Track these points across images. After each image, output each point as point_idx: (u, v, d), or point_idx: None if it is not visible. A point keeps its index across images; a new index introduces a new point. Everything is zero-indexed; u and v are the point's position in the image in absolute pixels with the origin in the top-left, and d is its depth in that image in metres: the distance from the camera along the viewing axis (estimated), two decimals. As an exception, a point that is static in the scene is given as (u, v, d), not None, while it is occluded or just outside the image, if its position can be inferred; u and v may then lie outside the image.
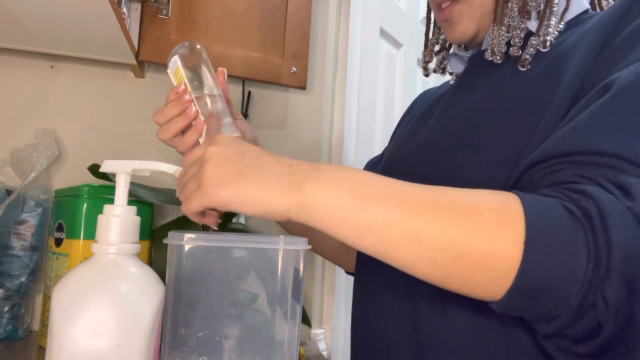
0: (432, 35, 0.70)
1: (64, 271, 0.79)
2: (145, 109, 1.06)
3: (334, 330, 1.22)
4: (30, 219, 0.87)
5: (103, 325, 0.38)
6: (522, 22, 0.54)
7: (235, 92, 1.13)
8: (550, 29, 0.53)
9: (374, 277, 0.61)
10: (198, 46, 0.60)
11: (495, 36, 0.55)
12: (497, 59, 0.56)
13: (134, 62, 0.96)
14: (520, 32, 0.54)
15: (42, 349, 0.81)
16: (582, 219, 0.36)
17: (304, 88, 1.13)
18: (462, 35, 0.59)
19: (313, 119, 1.23)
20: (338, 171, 0.43)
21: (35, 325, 0.92)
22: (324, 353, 1.17)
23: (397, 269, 0.42)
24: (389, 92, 1.43)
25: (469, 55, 0.63)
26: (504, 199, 0.40)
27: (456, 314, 0.49)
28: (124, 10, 0.89)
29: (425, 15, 0.72)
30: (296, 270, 0.60)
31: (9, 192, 0.87)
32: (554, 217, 0.37)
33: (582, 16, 0.56)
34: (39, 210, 0.88)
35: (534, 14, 0.55)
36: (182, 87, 0.58)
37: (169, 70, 0.61)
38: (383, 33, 1.40)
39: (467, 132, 0.53)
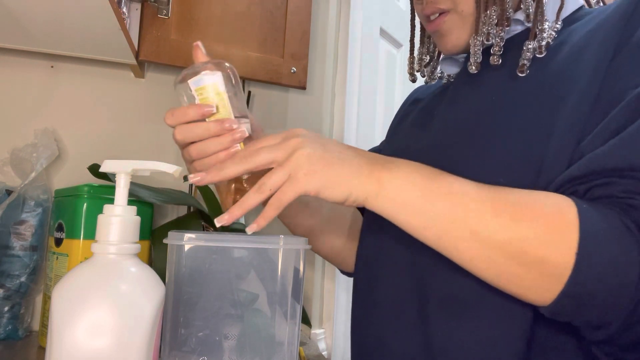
0: (421, 44, 0.68)
1: (64, 271, 0.79)
2: (145, 109, 1.06)
3: (334, 330, 1.22)
4: (30, 219, 0.87)
5: (103, 325, 0.38)
6: (501, 30, 0.53)
7: (235, 92, 1.13)
8: (545, 34, 0.52)
9: (377, 279, 0.61)
10: (227, 64, 0.54)
11: (473, 46, 0.55)
12: (473, 70, 0.55)
13: (134, 62, 0.96)
14: (500, 41, 0.53)
15: (42, 349, 0.81)
16: (637, 234, 0.38)
17: (304, 88, 1.13)
18: (454, 46, 0.58)
19: (313, 119, 1.23)
20: (410, 165, 0.47)
21: (35, 325, 0.92)
22: (324, 353, 1.17)
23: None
24: (389, 92, 1.43)
25: (464, 57, 0.62)
26: (560, 204, 0.41)
27: (472, 322, 0.49)
28: (124, 10, 0.89)
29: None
30: (296, 270, 0.60)
31: (9, 192, 0.87)
32: (609, 229, 0.38)
33: (578, 13, 0.56)
34: (39, 210, 0.88)
35: (523, 17, 0.54)
36: (217, 109, 0.51)
37: (193, 85, 0.52)
38: (383, 33, 1.40)
39: (476, 135, 0.52)
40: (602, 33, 0.48)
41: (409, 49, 0.70)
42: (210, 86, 0.52)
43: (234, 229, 1.01)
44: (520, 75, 0.52)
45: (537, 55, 0.52)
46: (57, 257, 0.82)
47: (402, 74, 1.48)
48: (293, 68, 1.10)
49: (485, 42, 0.54)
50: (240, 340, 0.59)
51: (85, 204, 0.79)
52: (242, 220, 1.09)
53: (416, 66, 0.68)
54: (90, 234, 0.79)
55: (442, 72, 0.67)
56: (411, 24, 0.69)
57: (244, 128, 0.51)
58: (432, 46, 0.68)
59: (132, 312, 0.39)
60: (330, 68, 1.26)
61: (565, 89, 0.48)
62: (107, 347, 0.38)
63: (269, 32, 1.09)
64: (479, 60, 0.55)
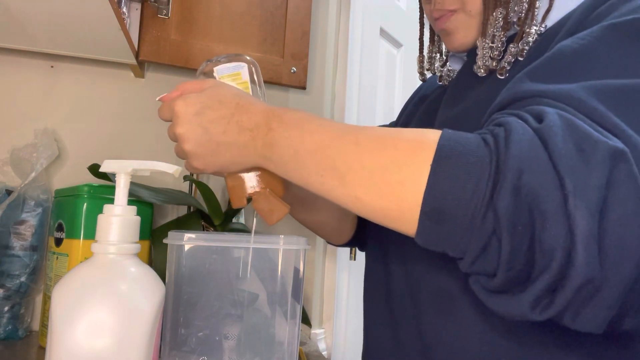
0: (431, 43, 0.68)
1: (64, 271, 0.79)
2: (145, 109, 1.06)
3: (334, 330, 1.22)
4: (30, 218, 0.87)
5: (103, 325, 0.38)
6: (504, 34, 0.53)
7: (235, 92, 1.13)
8: (530, 38, 0.52)
9: (387, 275, 0.61)
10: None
11: (480, 49, 0.54)
12: (482, 73, 0.55)
13: (134, 62, 0.96)
14: (501, 46, 0.53)
15: (42, 349, 0.81)
16: (490, 143, 0.36)
17: (304, 88, 1.13)
18: (461, 45, 0.58)
19: (313, 119, 1.23)
20: (285, 130, 0.47)
21: (35, 325, 0.92)
22: (324, 353, 1.17)
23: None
24: (389, 92, 1.43)
25: (465, 55, 0.63)
26: (424, 131, 0.40)
27: (460, 317, 0.49)
28: (124, 10, 0.89)
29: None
30: (296, 270, 0.60)
31: (9, 192, 0.87)
32: (466, 143, 0.37)
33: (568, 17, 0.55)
34: (39, 210, 0.88)
35: (515, 19, 0.54)
36: None
37: (218, 73, 0.57)
38: (383, 33, 1.40)
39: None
40: (563, 32, 0.48)
41: (416, 48, 0.69)
42: (235, 75, 0.56)
43: (234, 229, 1.01)
44: (500, 77, 0.52)
45: (519, 59, 0.52)
46: (57, 257, 0.82)
47: (402, 74, 1.48)
48: (293, 68, 1.10)
49: (491, 45, 0.54)
50: (240, 340, 0.59)
51: (85, 204, 0.79)
52: (242, 220, 1.09)
53: (426, 65, 0.68)
54: (90, 234, 0.79)
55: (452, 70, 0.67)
56: (420, 22, 0.69)
57: None
58: (442, 45, 0.68)
59: (132, 312, 0.39)
60: (330, 68, 1.26)
61: None
62: (107, 347, 0.38)
63: (269, 32, 1.09)
64: (488, 63, 0.54)
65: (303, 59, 1.12)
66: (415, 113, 0.71)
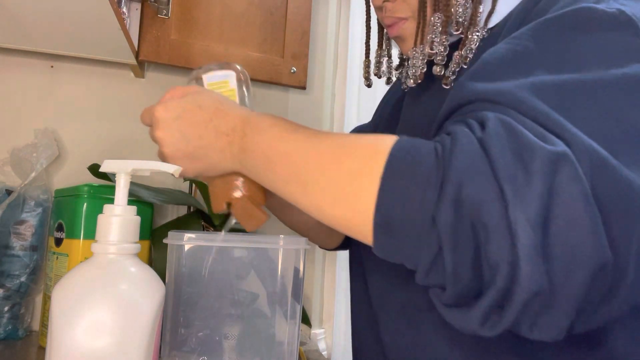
0: (379, 46, 0.65)
1: (64, 271, 0.79)
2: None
3: (334, 330, 1.22)
4: (30, 218, 0.87)
5: (103, 325, 0.38)
6: (445, 39, 0.51)
7: (235, 92, 1.13)
8: (473, 45, 0.50)
9: (365, 281, 0.62)
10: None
11: (412, 57, 0.53)
12: (411, 83, 0.53)
13: (134, 62, 0.96)
14: (444, 50, 0.51)
15: (42, 349, 0.81)
16: (439, 152, 0.35)
17: (304, 88, 1.13)
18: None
19: (313, 118, 1.23)
20: (256, 135, 0.47)
21: (35, 325, 0.92)
22: (324, 353, 1.17)
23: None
24: (389, 92, 1.43)
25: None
26: (381, 138, 0.39)
27: (424, 326, 0.49)
28: (124, 10, 0.89)
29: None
30: (296, 270, 0.60)
31: (9, 192, 0.87)
32: (416, 153, 0.36)
33: (508, 18, 0.53)
34: (39, 210, 0.88)
35: (456, 27, 0.52)
36: None
37: (207, 80, 0.58)
38: (383, 33, 1.40)
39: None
40: (504, 33, 0.48)
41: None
42: (223, 82, 0.57)
43: (234, 229, 1.01)
44: (445, 87, 0.51)
45: (463, 66, 0.50)
46: (57, 257, 0.82)
47: (402, 74, 1.48)
48: (293, 68, 1.10)
49: (430, 52, 0.52)
50: (240, 340, 0.59)
51: (85, 204, 0.79)
52: (242, 220, 1.09)
53: (373, 69, 0.65)
54: (90, 234, 0.79)
55: (399, 74, 0.65)
56: (366, 26, 0.67)
57: None
58: (390, 49, 0.66)
59: (132, 312, 0.39)
60: (330, 68, 1.26)
61: None
62: (107, 347, 0.38)
63: (269, 32, 1.09)
64: (418, 72, 0.53)
65: (303, 59, 1.12)
66: (383, 115, 0.70)
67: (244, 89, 0.58)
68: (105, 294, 0.39)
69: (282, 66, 1.10)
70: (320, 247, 0.79)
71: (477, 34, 0.50)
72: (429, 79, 0.55)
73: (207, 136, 0.49)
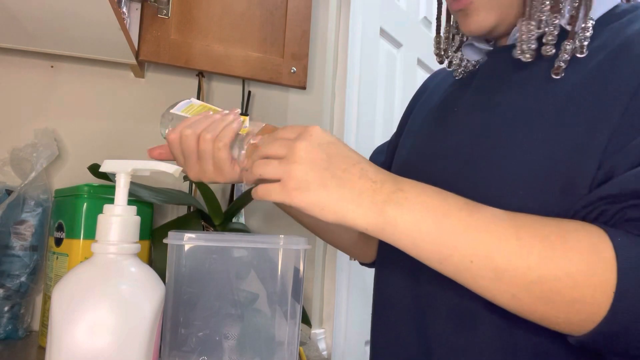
0: (448, 22, 0.62)
1: (64, 271, 0.79)
2: (145, 109, 1.06)
3: (334, 330, 1.22)
4: (30, 218, 0.87)
5: (103, 325, 0.38)
6: (556, 17, 0.48)
7: (236, 92, 1.13)
8: (587, 33, 0.47)
9: (383, 282, 0.61)
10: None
11: (524, 32, 0.49)
12: (527, 57, 0.49)
13: (134, 62, 0.96)
14: (554, 30, 0.48)
15: (42, 349, 0.81)
16: None
17: (304, 88, 1.13)
18: (478, 27, 0.53)
19: (313, 118, 1.23)
20: (420, 195, 0.42)
21: (35, 325, 0.92)
22: (324, 353, 1.17)
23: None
24: (389, 92, 1.43)
25: (488, 48, 0.57)
26: (593, 239, 0.38)
27: (476, 331, 0.48)
28: (124, 10, 0.89)
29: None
30: (296, 270, 0.60)
31: (9, 192, 0.87)
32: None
33: (614, 11, 0.50)
34: (39, 210, 0.88)
35: (567, 9, 0.49)
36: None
37: (177, 110, 0.58)
38: (383, 33, 1.40)
39: (498, 144, 0.49)
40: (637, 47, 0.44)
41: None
42: (189, 106, 0.58)
43: (234, 229, 1.01)
44: (555, 77, 0.48)
45: (578, 56, 0.47)
46: (57, 257, 0.82)
47: (402, 74, 1.48)
48: (293, 68, 1.10)
49: (537, 31, 0.48)
50: (240, 340, 0.59)
51: (85, 204, 0.79)
52: (242, 220, 1.09)
53: (443, 45, 0.62)
54: (90, 234, 0.79)
55: (467, 60, 0.61)
56: (438, 1, 0.63)
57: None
58: (454, 30, 0.63)
59: (132, 312, 0.39)
60: (330, 68, 1.26)
61: (602, 100, 0.43)
62: (107, 347, 0.38)
63: (269, 32, 1.09)
64: (534, 47, 0.49)
65: (303, 59, 1.12)
66: (428, 102, 0.67)
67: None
68: (105, 294, 0.39)
69: (282, 66, 1.10)
70: (360, 262, 0.76)
71: (591, 22, 0.47)
72: (505, 76, 0.53)
73: (352, 172, 0.43)
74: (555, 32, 0.48)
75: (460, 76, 0.61)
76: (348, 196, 0.42)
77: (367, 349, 1.33)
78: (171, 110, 0.58)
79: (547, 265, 0.38)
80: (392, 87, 1.45)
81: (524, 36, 0.49)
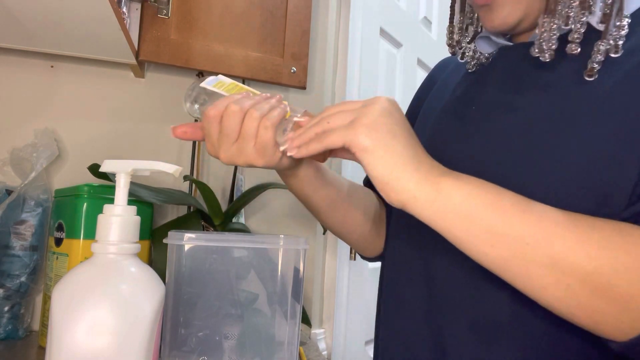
0: (461, 12, 0.59)
1: (64, 271, 0.79)
2: (145, 109, 1.06)
3: (334, 330, 1.22)
4: (30, 218, 0.87)
5: (103, 325, 0.38)
6: (583, 14, 0.45)
7: (235, 92, 1.13)
8: (623, 32, 0.44)
9: (393, 283, 0.58)
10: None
11: (545, 29, 0.46)
12: (545, 57, 0.47)
13: (134, 62, 0.96)
14: (580, 27, 0.45)
15: (42, 349, 0.81)
16: None
17: (304, 88, 1.13)
18: (502, 23, 0.50)
19: (313, 119, 1.23)
20: (474, 178, 0.41)
21: (35, 325, 0.92)
22: (324, 353, 1.17)
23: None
24: (389, 92, 1.43)
25: (507, 43, 0.54)
26: (625, 233, 0.37)
27: (502, 346, 0.46)
28: (124, 10, 0.89)
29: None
30: (296, 270, 0.60)
31: (9, 192, 0.87)
32: None
33: None
34: (39, 210, 0.88)
35: (599, 6, 0.45)
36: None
37: (209, 84, 0.53)
38: (383, 33, 1.40)
39: (527, 150, 0.46)
40: None
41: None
42: (219, 82, 0.53)
43: (234, 229, 1.01)
44: (588, 79, 0.45)
45: (612, 56, 0.45)
46: (57, 257, 0.82)
47: (402, 74, 1.48)
48: (293, 68, 1.10)
49: (563, 27, 0.46)
50: (240, 340, 0.59)
51: (85, 204, 0.79)
52: (242, 220, 1.09)
53: (456, 36, 0.59)
54: (90, 234, 0.79)
55: (479, 53, 0.58)
56: None
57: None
58: (472, 22, 0.59)
59: (132, 312, 0.39)
60: (330, 68, 1.26)
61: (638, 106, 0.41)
62: (107, 347, 0.38)
63: (269, 32, 1.09)
64: (554, 47, 0.46)
65: (303, 59, 1.12)
66: (437, 80, 0.64)
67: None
68: (105, 294, 0.39)
69: (282, 66, 1.10)
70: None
71: (627, 20, 0.44)
72: (526, 75, 0.50)
73: (415, 141, 0.43)
74: (582, 30, 0.45)
75: (474, 69, 0.58)
76: (409, 155, 0.41)
77: (367, 348, 1.33)
78: (201, 85, 0.53)
79: (607, 255, 0.36)
80: (392, 87, 1.45)
81: (545, 34, 0.46)
